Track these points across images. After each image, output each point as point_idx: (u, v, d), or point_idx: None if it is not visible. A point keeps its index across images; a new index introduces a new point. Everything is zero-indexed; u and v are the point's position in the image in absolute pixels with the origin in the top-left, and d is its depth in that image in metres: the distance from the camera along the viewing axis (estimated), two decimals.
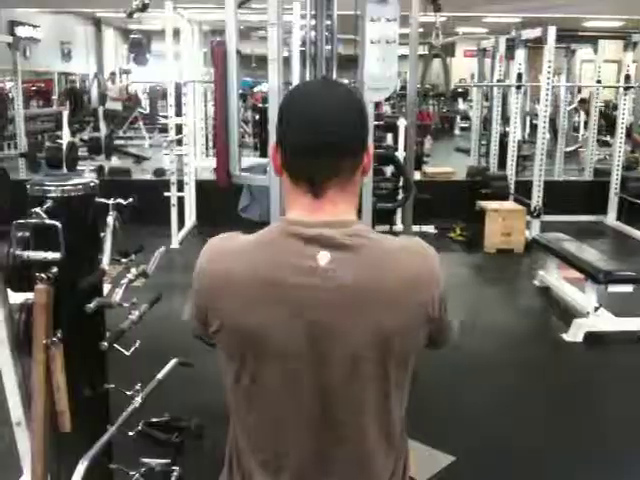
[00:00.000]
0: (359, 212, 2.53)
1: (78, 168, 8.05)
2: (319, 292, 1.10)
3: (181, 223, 6.46)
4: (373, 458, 1.21)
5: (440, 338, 1.25)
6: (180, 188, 6.42)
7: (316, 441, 1.18)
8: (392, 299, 1.12)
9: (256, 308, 1.11)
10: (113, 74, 13.89)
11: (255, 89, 12.43)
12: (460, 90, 13.56)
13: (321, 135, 1.11)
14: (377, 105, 8.62)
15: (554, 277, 5.07)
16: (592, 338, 4.15)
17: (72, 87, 13.97)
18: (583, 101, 10.91)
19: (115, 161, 9.46)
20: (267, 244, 1.14)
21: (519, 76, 7.15)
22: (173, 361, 2.63)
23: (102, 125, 9.18)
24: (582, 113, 11.42)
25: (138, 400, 2.32)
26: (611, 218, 7.44)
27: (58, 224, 1.89)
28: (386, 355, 1.14)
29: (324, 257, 1.10)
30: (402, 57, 3.67)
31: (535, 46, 7.29)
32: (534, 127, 9.08)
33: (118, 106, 12.30)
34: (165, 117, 8.84)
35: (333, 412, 1.16)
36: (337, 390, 1.14)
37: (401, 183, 3.90)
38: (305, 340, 1.12)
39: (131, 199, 2.14)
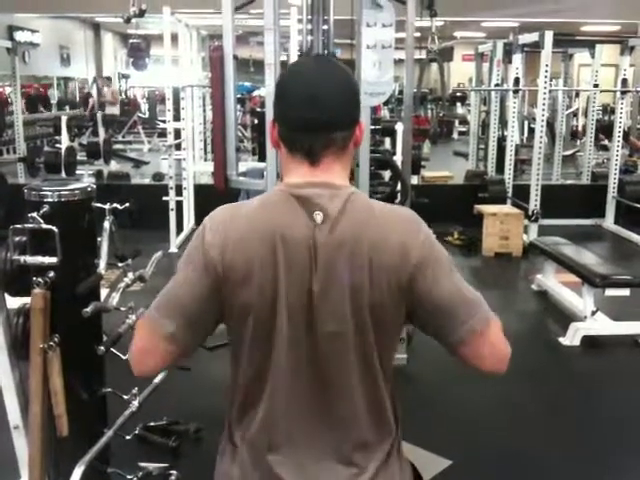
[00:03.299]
0: None
1: (77, 173, 8.07)
2: (314, 246, 1.18)
3: (179, 227, 6.46)
4: (363, 413, 1.27)
5: (462, 315, 1.23)
6: (179, 192, 6.43)
7: (310, 396, 1.25)
8: (372, 258, 1.19)
9: (266, 263, 1.18)
10: (108, 79, 13.91)
11: (254, 93, 12.44)
12: (458, 94, 13.58)
13: (316, 110, 1.19)
14: (375, 109, 8.65)
15: (552, 281, 5.08)
16: (589, 342, 4.16)
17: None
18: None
19: (114, 165, 9.47)
20: (267, 205, 1.23)
21: (516, 80, 7.17)
22: None
23: (100, 130, 9.18)
24: (580, 117, 11.45)
25: (135, 404, 2.33)
26: (609, 222, 7.45)
27: (55, 229, 1.90)
28: (365, 314, 1.20)
29: (319, 215, 1.18)
30: (399, 61, 3.69)
31: (532, 50, 7.30)
32: (532, 131, 9.10)
33: (115, 110, 12.31)
34: (164, 122, 8.85)
35: (323, 366, 1.23)
36: (326, 344, 1.21)
37: (398, 187, 3.90)
38: (301, 294, 1.19)
39: (127, 204, 2.15)
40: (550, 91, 6.93)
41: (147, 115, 14.14)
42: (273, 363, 1.24)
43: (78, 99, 15.25)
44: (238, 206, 1.27)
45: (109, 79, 14.05)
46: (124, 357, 2.25)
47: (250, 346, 1.25)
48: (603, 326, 4.30)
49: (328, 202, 1.19)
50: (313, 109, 1.19)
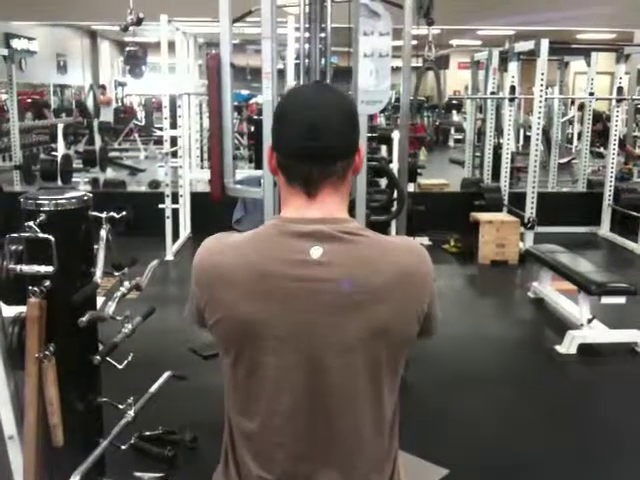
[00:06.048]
0: None
1: (73, 180, 8.06)
2: (312, 284, 1.14)
3: (176, 235, 6.46)
4: (367, 448, 1.23)
5: (428, 331, 1.31)
6: (175, 200, 6.42)
7: (311, 432, 1.20)
8: (384, 294, 1.16)
9: (251, 300, 1.15)
10: (103, 87, 13.96)
11: (251, 101, 12.46)
12: (454, 102, 13.62)
13: (315, 139, 1.16)
14: (372, 117, 8.66)
15: (548, 289, 5.08)
16: (586, 350, 4.15)
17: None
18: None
19: (110, 173, 9.46)
20: (261, 240, 1.19)
21: (512, 88, 7.18)
22: (166, 374, 2.63)
23: (97, 137, 9.18)
24: (576, 124, 11.47)
25: (131, 414, 2.32)
26: (604, 229, 7.46)
27: (51, 238, 1.90)
28: (377, 347, 1.18)
29: (317, 251, 1.15)
30: (396, 69, 3.70)
31: (528, 58, 7.33)
32: (528, 139, 9.13)
33: (109, 113, 12.32)
34: (160, 129, 8.85)
35: (327, 401, 1.19)
36: (331, 379, 1.18)
37: (395, 195, 3.91)
38: (298, 330, 1.16)
39: (124, 212, 2.14)
40: (546, 99, 6.95)
41: (143, 123, 14.14)
42: (259, 398, 1.20)
43: (74, 106, 15.25)
44: (230, 237, 1.24)
45: (104, 87, 14.07)
46: (120, 366, 2.26)
47: (232, 377, 1.23)
48: (599, 334, 4.30)
49: (327, 237, 1.16)
50: (312, 139, 1.16)
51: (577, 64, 10.42)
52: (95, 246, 2.16)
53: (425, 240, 6.67)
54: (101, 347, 2.18)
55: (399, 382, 1.29)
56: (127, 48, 10.05)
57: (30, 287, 1.93)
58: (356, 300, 1.15)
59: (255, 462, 1.23)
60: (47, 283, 1.94)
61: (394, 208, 3.90)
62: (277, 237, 1.18)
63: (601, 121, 10.35)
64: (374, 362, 1.19)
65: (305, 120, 1.17)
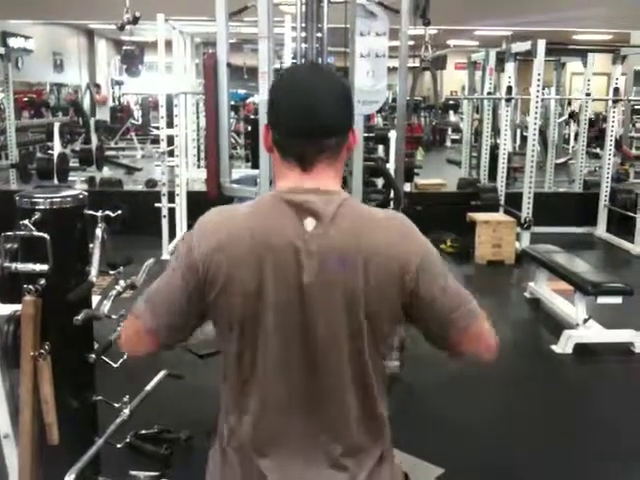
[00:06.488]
0: None
1: (69, 179, 8.04)
2: (305, 255, 1.18)
3: (172, 234, 6.45)
4: (353, 423, 1.27)
5: (446, 328, 1.29)
6: (171, 199, 6.42)
7: (305, 403, 1.25)
8: (367, 266, 1.19)
9: (251, 270, 1.19)
10: (97, 86, 13.96)
11: (248, 100, 12.44)
12: (451, 102, 13.61)
13: (311, 118, 1.20)
14: (369, 117, 8.65)
15: (544, 289, 5.09)
16: (582, 350, 4.16)
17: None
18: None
19: (107, 172, 9.44)
20: (259, 211, 1.23)
21: (509, 89, 7.19)
22: (162, 373, 2.63)
23: (93, 136, 9.16)
24: (572, 125, 11.49)
25: (126, 412, 2.32)
26: (601, 230, 7.47)
27: (46, 236, 1.90)
28: (359, 320, 1.21)
29: (310, 223, 1.19)
30: (393, 70, 3.70)
31: (525, 59, 7.34)
32: (524, 139, 9.14)
33: (106, 112, 12.30)
34: (157, 128, 8.84)
35: (314, 370, 1.23)
36: (320, 348, 1.22)
37: (392, 195, 3.91)
38: (294, 299, 1.20)
39: (120, 211, 2.14)
40: (542, 99, 6.97)
41: (140, 122, 14.12)
42: (259, 367, 1.24)
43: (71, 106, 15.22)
44: (229, 210, 1.29)
45: (98, 86, 14.07)
46: (115, 365, 2.26)
47: (236, 349, 1.26)
48: (595, 334, 4.31)
49: (321, 208, 1.20)
50: (308, 117, 1.20)
51: (574, 65, 10.43)
52: (90, 245, 2.16)
53: None
54: (96, 345, 2.18)
55: (385, 364, 1.33)
56: (124, 47, 10.02)
57: (25, 285, 1.93)
58: (341, 272, 1.19)
59: (248, 429, 1.27)
60: (42, 281, 1.94)
61: (391, 208, 3.90)
62: (274, 209, 1.21)
63: (597, 126, 10.40)
64: (357, 334, 1.22)
65: (301, 98, 1.21)
